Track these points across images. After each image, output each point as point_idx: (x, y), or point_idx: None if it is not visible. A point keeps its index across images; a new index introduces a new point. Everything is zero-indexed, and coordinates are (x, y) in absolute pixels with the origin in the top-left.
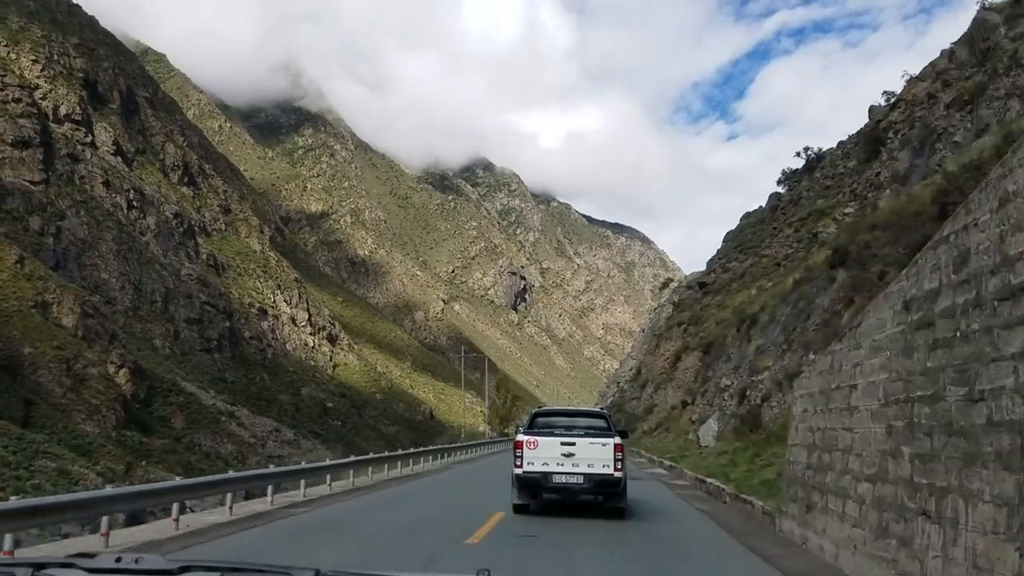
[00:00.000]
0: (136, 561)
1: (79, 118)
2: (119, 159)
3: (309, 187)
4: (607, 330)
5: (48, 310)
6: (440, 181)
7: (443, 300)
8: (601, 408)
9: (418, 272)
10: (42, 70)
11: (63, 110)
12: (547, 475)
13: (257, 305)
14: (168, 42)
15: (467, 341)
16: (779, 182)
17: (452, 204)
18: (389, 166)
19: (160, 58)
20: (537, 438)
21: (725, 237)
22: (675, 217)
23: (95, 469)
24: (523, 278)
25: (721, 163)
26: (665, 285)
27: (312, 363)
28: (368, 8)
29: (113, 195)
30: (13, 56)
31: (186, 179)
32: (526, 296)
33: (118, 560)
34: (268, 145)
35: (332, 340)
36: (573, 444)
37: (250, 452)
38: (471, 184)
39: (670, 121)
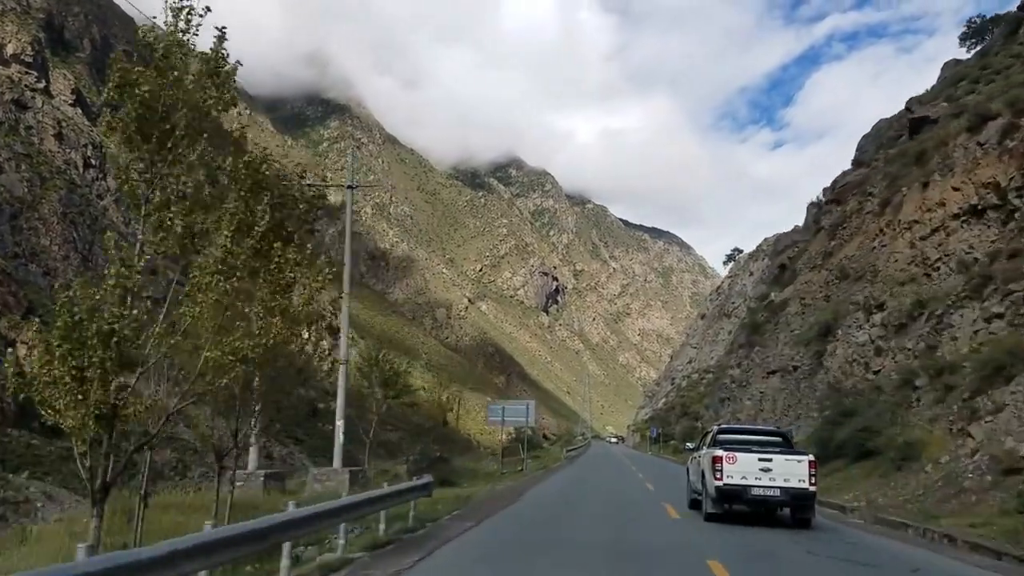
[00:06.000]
0: None
1: (30, 60)
2: (79, 111)
3: (330, 177)
4: (644, 336)
5: None
6: (471, 178)
7: (468, 299)
8: (779, 427)
9: (443, 269)
10: None
11: (10, 49)
12: (746, 488)
13: None
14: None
15: (493, 342)
16: (964, 37)
17: (483, 201)
18: (418, 161)
19: None
20: (735, 453)
21: (908, 102)
22: (716, 225)
23: None
24: (555, 279)
25: (766, 172)
26: (732, 258)
27: (303, 356)
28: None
29: (67, 150)
30: None
31: None
32: (558, 298)
33: None
34: (292, 136)
35: (332, 332)
36: (770, 460)
37: (195, 461)
38: (504, 183)
39: (715, 127)
